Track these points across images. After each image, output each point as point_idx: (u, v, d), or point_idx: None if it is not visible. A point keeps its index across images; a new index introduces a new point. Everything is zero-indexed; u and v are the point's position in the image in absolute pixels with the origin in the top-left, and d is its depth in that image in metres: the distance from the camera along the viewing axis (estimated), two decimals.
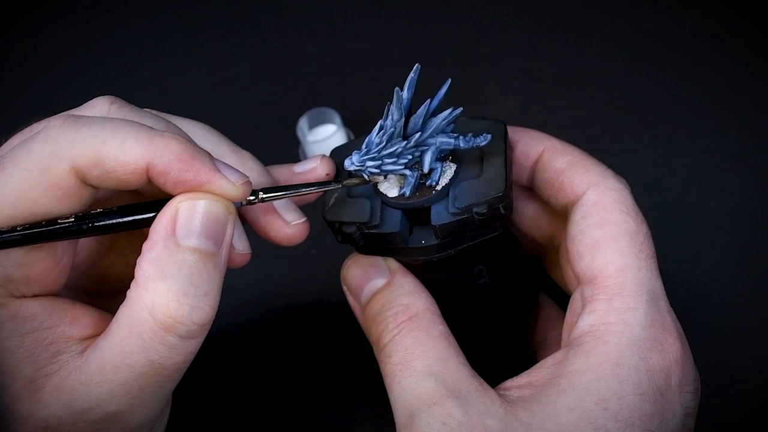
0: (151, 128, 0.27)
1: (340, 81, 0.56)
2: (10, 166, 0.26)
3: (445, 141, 0.31)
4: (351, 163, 0.31)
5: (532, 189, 0.35)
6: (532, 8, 0.57)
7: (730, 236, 0.44)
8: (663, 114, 0.50)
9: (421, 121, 0.30)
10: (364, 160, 0.31)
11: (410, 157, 0.31)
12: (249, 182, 0.28)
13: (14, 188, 0.26)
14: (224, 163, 0.28)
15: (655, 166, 0.48)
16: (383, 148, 0.30)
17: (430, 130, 0.31)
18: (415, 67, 0.30)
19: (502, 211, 0.30)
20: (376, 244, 0.32)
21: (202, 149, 0.28)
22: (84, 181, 0.27)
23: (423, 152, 0.31)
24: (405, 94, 0.30)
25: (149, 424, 0.29)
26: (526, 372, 0.30)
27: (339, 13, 0.61)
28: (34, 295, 0.28)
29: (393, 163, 0.31)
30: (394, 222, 0.31)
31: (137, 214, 0.28)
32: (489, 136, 0.31)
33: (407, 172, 0.31)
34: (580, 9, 0.57)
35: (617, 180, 0.32)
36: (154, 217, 0.27)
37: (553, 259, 0.37)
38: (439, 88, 0.31)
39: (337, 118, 0.51)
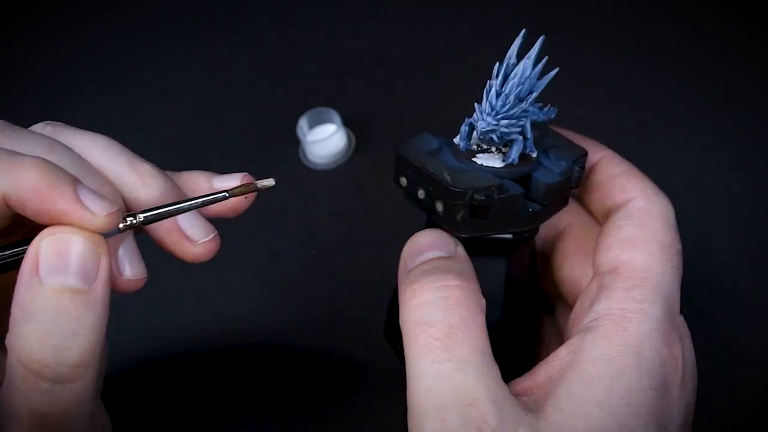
0: (11, 154, 0.26)
1: (340, 81, 0.56)
2: None
3: (533, 111, 0.32)
4: (486, 123, 0.30)
5: None
6: (532, 8, 0.57)
7: (730, 236, 0.44)
8: (663, 114, 0.50)
9: (526, 85, 0.31)
10: (499, 119, 0.30)
11: (522, 121, 0.31)
12: (115, 212, 0.26)
13: None
14: (90, 190, 0.26)
15: (655, 166, 0.48)
16: (509, 109, 0.30)
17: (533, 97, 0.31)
18: (522, 33, 0.31)
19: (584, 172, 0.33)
20: (483, 217, 0.30)
21: (66, 176, 0.26)
22: None
23: (524, 119, 0.31)
24: (515, 60, 0.31)
25: None
26: (539, 367, 0.29)
27: (339, 13, 0.61)
28: None
29: (513, 125, 0.31)
30: (513, 186, 0.31)
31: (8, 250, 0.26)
32: (555, 108, 0.33)
33: (519, 137, 0.31)
34: (580, 9, 0.57)
35: (667, 199, 0.33)
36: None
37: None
38: (532, 48, 0.32)
39: (337, 118, 0.51)
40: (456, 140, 0.32)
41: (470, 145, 0.32)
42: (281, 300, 0.45)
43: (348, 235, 0.47)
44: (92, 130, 0.31)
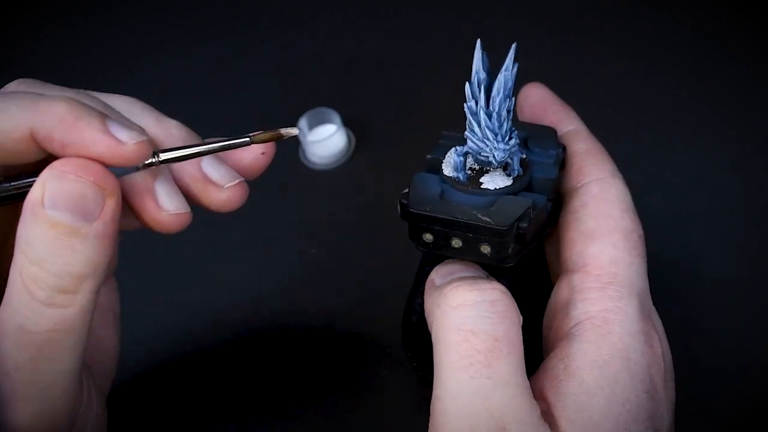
0: (39, 94, 0.26)
1: (340, 81, 0.56)
2: None
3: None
4: (501, 152, 0.29)
5: None
6: (532, 8, 0.57)
7: (730, 236, 0.44)
8: (663, 114, 0.50)
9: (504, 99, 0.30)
10: (507, 141, 0.29)
11: (515, 131, 0.31)
12: (144, 142, 0.26)
13: None
14: (118, 122, 0.26)
15: (655, 166, 0.48)
16: (506, 126, 0.30)
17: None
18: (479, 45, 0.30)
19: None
20: (525, 240, 0.30)
21: (93, 110, 0.26)
22: None
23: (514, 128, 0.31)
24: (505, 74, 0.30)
25: None
26: (531, 380, 0.28)
27: (339, 13, 0.61)
28: None
29: (516, 141, 0.30)
30: (535, 197, 0.31)
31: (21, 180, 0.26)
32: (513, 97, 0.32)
33: (520, 153, 0.31)
34: (580, 9, 0.57)
35: (622, 182, 0.32)
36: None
37: None
38: (507, 58, 0.30)
39: (337, 118, 0.51)
40: (448, 172, 0.31)
41: (467, 173, 0.31)
42: (281, 300, 0.45)
43: (348, 235, 0.47)
44: None
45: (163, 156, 0.27)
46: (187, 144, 0.29)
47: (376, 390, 0.40)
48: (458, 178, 0.30)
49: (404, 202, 0.30)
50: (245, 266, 0.46)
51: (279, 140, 0.30)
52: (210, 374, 0.42)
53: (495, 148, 0.29)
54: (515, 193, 0.30)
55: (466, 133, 0.30)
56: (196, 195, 0.30)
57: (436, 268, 0.31)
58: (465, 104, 0.30)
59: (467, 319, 0.27)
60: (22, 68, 0.61)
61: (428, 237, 0.30)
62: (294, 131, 0.30)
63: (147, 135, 0.27)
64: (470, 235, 0.29)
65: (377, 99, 0.54)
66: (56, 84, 0.29)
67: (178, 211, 0.29)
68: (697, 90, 0.51)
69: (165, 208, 0.28)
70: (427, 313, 0.29)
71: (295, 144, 0.51)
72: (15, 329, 0.25)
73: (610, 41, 0.54)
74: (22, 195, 0.26)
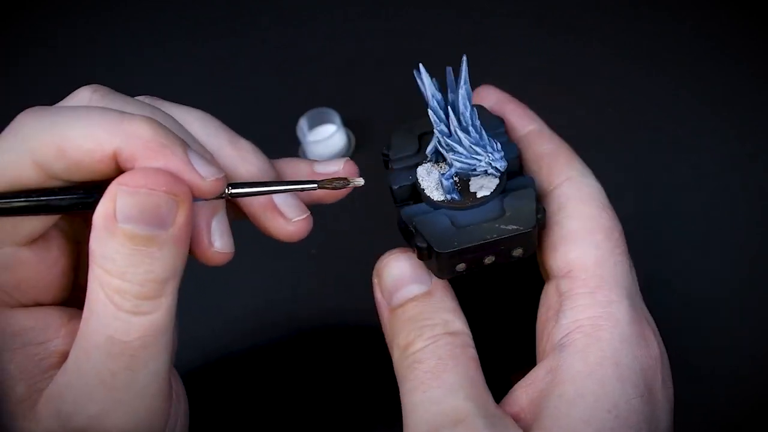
0: (121, 113, 0.26)
1: (340, 81, 0.56)
2: None
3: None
4: (500, 163, 0.29)
5: None
6: (532, 8, 0.57)
7: (730, 236, 0.44)
8: (663, 114, 0.50)
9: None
10: (497, 149, 0.29)
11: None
12: (222, 179, 0.27)
13: None
14: (198, 155, 0.27)
15: (655, 166, 0.48)
16: (481, 134, 0.30)
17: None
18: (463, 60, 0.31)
19: None
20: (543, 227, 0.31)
21: (176, 137, 0.26)
22: (51, 175, 0.26)
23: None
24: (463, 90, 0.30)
25: None
26: (520, 390, 0.29)
27: (339, 13, 0.61)
28: (32, 304, 0.27)
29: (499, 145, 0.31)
30: (525, 181, 0.31)
31: (87, 194, 0.26)
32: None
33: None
34: (580, 9, 0.57)
35: (594, 179, 0.32)
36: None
37: None
38: (462, 74, 0.30)
39: (337, 118, 0.51)
40: (438, 197, 0.31)
41: (459, 193, 0.31)
42: (280, 300, 0.45)
43: (348, 235, 0.47)
44: None
45: (232, 190, 0.28)
46: (260, 174, 0.30)
47: (377, 386, 0.40)
48: (454, 198, 0.30)
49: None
50: (244, 266, 0.46)
51: (345, 188, 0.30)
52: (206, 374, 0.42)
53: (493, 159, 0.29)
54: (509, 189, 0.31)
55: (449, 156, 0.30)
56: (264, 222, 0.31)
57: (381, 270, 0.32)
58: (435, 129, 0.30)
59: (416, 357, 0.29)
60: (23, 68, 0.61)
61: (461, 266, 0.30)
62: (360, 182, 0.31)
63: (224, 172, 0.27)
64: (502, 247, 0.30)
65: (377, 99, 0.54)
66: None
67: (226, 251, 0.29)
68: (697, 90, 0.51)
69: (216, 246, 0.29)
70: (387, 340, 0.31)
71: (295, 144, 0.51)
72: (105, 341, 0.25)
73: (610, 41, 0.54)
74: (71, 207, 0.26)
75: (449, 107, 0.30)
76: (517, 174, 0.32)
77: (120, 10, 0.64)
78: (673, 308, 0.42)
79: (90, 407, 0.26)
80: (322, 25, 0.60)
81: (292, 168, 0.32)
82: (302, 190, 0.29)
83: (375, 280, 0.32)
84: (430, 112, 0.30)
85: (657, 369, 0.29)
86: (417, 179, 0.32)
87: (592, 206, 0.31)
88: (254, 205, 0.31)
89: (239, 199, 0.30)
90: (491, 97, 0.35)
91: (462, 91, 0.30)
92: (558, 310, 0.29)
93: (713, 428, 0.38)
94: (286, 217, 0.31)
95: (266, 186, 0.29)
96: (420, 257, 0.30)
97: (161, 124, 0.26)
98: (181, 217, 0.25)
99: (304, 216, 0.31)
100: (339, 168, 0.32)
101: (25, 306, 0.27)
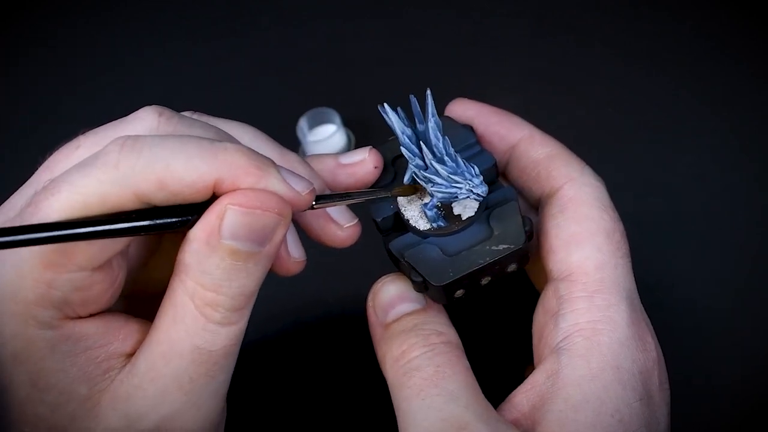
0: (212, 141, 0.27)
1: (340, 81, 0.56)
2: (67, 190, 0.25)
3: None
4: (480, 189, 0.29)
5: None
6: (532, 8, 0.57)
7: (730, 236, 0.44)
8: (663, 114, 0.50)
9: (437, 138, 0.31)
10: (476, 175, 0.30)
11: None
12: (314, 190, 0.28)
13: (71, 213, 0.25)
14: (287, 171, 0.28)
15: (655, 166, 0.48)
16: (457, 161, 0.30)
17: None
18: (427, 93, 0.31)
19: None
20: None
21: (266, 158, 0.27)
22: (147, 204, 0.26)
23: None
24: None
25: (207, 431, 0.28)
26: (519, 395, 0.29)
27: (339, 13, 0.61)
28: (89, 315, 0.27)
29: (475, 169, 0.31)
30: (507, 194, 0.31)
31: (186, 215, 0.27)
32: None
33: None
34: (580, 9, 0.57)
35: (595, 177, 0.32)
36: (196, 219, 0.27)
37: None
38: (428, 107, 0.31)
39: (337, 118, 0.51)
40: (424, 226, 0.31)
41: (444, 220, 0.31)
42: (280, 299, 0.45)
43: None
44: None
45: (314, 204, 0.29)
46: (308, 177, 0.31)
47: (377, 386, 0.40)
48: (440, 225, 0.31)
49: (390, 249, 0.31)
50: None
51: (413, 194, 0.32)
52: None
53: (473, 185, 0.29)
54: (491, 207, 0.31)
55: (429, 188, 0.30)
56: (316, 230, 0.32)
57: (374, 292, 0.33)
58: (410, 165, 0.31)
59: (411, 365, 0.29)
60: (22, 68, 0.61)
61: (460, 292, 0.30)
62: (425, 191, 0.31)
63: (312, 183, 0.28)
64: (497, 267, 0.30)
65: (377, 99, 0.54)
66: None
67: (303, 259, 0.31)
68: (697, 90, 0.51)
69: (293, 256, 0.30)
70: (378, 356, 0.32)
71: (295, 144, 0.51)
72: (192, 350, 0.26)
73: (610, 41, 0.54)
74: (165, 227, 0.26)
75: (421, 141, 0.30)
76: (495, 182, 0.32)
77: (120, 10, 0.64)
78: (671, 309, 0.42)
79: (161, 408, 0.27)
80: (322, 25, 0.60)
81: (318, 164, 0.33)
82: (377, 198, 0.31)
83: (369, 303, 0.33)
84: (402, 148, 0.31)
85: (655, 371, 0.29)
86: (399, 209, 0.32)
87: (593, 208, 0.31)
88: (308, 215, 0.32)
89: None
90: (470, 112, 0.35)
91: (431, 124, 0.30)
92: (556, 313, 0.29)
93: (714, 428, 0.38)
94: (338, 224, 0.32)
95: (346, 197, 0.30)
96: (417, 290, 0.31)
97: (247, 147, 0.27)
98: (279, 235, 0.27)
99: (355, 222, 0.32)
100: (364, 156, 0.32)
101: (82, 317, 0.27)
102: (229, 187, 0.26)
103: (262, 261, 0.27)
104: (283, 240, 0.28)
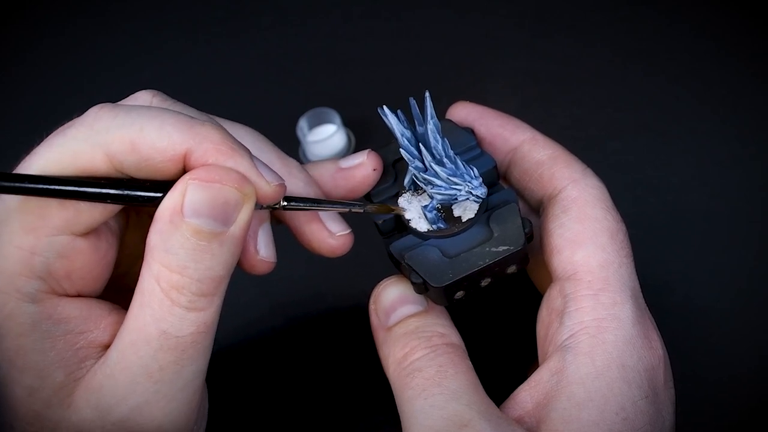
0: (190, 116, 0.27)
1: (340, 81, 0.56)
2: (43, 149, 0.26)
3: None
4: (480, 191, 0.30)
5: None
6: (532, 8, 0.57)
7: (730, 237, 0.44)
8: (663, 114, 0.50)
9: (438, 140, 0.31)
10: (475, 176, 0.30)
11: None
12: (283, 185, 0.28)
13: (45, 168, 0.26)
14: (260, 160, 0.28)
15: (655, 166, 0.48)
16: (456, 163, 0.30)
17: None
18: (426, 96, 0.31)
19: None
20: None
21: (241, 144, 0.27)
22: (118, 169, 0.26)
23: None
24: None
25: (179, 427, 0.28)
26: (523, 393, 0.29)
27: (339, 13, 0.61)
28: (75, 295, 0.28)
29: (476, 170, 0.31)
30: (507, 197, 0.32)
31: (156, 192, 0.27)
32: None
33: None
34: (580, 9, 0.57)
35: (597, 179, 0.32)
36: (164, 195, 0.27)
37: None
38: (427, 110, 0.31)
39: (337, 118, 0.51)
40: (424, 228, 0.31)
41: (444, 222, 0.31)
42: (280, 299, 0.45)
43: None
44: None
45: (284, 203, 0.29)
46: (306, 189, 0.32)
47: (376, 385, 0.40)
48: (440, 227, 0.31)
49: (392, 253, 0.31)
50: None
51: (389, 213, 0.32)
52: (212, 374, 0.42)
53: (473, 187, 0.30)
54: (491, 208, 0.31)
55: (429, 190, 0.30)
56: (307, 236, 0.32)
57: (376, 295, 0.33)
58: (410, 167, 0.31)
59: (414, 366, 0.30)
60: (22, 68, 0.61)
61: (460, 294, 0.30)
62: (402, 211, 0.32)
63: (284, 180, 0.28)
64: (496, 269, 0.30)
65: (377, 99, 0.54)
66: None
67: (271, 260, 0.31)
68: (697, 90, 0.51)
69: (261, 254, 0.31)
70: (382, 359, 0.32)
71: (295, 144, 0.51)
72: (159, 335, 0.26)
73: (610, 41, 0.54)
74: (133, 200, 0.27)
75: (420, 143, 0.30)
76: (495, 184, 0.32)
77: (120, 10, 0.64)
78: (672, 308, 0.42)
79: (132, 399, 0.27)
80: (322, 25, 0.60)
81: (319, 170, 0.33)
82: (350, 210, 0.31)
83: (372, 306, 0.33)
84: (402, 151, 0.31)
85: (660, 369, 0.29)
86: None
87: (597, 208, 0.31)
88: (300, 218, 0.32)
89: (285, 212, 0.31)
90: (472, 115, 0.35)
91: (430, 126, 0.30)
92: (562, 311, 0.29)
93: (715, 428, 0.38)
94: (330, 232, 0.32)
95: (318, 203, 0.30)
96: (418, 292, 0.31)
97: (226, 129, 0.27)
98: (243, 216, 0.27)
99: (347, 231, 0.32)
100: (363, 159, 0.33)
101: (69, 296, 0.28)
102: (198, 162, 0.26)
103: (227, 243, 0.26)
104: (249, 226, 0.27)
